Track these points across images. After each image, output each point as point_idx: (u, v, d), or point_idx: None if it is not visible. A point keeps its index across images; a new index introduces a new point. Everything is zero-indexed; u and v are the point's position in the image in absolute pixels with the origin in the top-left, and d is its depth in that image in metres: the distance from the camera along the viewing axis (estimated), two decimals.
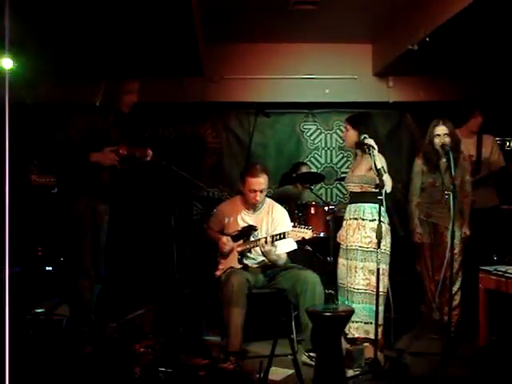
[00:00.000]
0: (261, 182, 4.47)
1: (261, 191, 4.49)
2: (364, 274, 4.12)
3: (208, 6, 5.01)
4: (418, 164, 4.84)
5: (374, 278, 4.04)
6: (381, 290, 3.96)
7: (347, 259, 4.22)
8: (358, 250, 4.14)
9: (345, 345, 4.16)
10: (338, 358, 3.74)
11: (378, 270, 3.86)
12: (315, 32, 5.90)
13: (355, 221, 4.20)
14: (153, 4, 4.18)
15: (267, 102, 6.19)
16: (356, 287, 4.13)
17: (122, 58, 5.31)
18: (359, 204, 4.22)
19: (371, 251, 4.08)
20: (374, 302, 3.99)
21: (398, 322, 4.56)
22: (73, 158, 3.98)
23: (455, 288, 4.58)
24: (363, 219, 4.16)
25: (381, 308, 4.04)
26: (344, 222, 4.36)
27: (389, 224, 4.15)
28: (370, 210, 4.15)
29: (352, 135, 4.28)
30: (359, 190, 4.24)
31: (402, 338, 4.74)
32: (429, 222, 4.80)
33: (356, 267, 4.14)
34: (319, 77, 6.41)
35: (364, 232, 4.13)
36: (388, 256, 4.13)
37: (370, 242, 4.09)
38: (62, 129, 4.13)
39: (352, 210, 4.26)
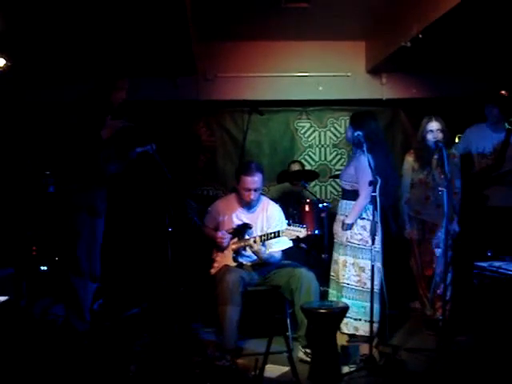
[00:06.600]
0: (255, 180, 4.48)
1: (255, 190, 4.49)
2: (355, 271, 4.21)
3: (201, 4, 5.00)
4: (409, 161, 4.85)
5: (364, 275, 4.17)
6: (374, 287, 4.01)
7: (338, 254, 4.32)
8: (348, 245, 4.24)
9: (340, 341, 4.19)
10: (333, 355, 3.76)
11: (373, 266, 3.92)
12: (308, 29, 5.89)
13: (345, 217, 4.28)
14: (146, 3, 4.18)
15: (261, 99, 6.18)
16: (346, 282, 4.23)
17: (116, 58, 5.30)
18: (350, 201, 4.29)
19: (362, 248, 4.19)
20: (365, 298, 4.11)
21: (393, 319, 4.58)
22: (75, 149, 3.97)
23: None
24: None
25: (376, 306, 4.06)
26: (336, 217, 4.45)
27: (379, 222, 4.15)
28: None
29: (348, 132, 4.37)
30: (350, 188, 4.30)
31: (397, 334, 4.76)
32: (418, 219, 4.80)
33: (346, 262, 4.23)
34: (313, 74, 6.40)
35: (355, 229, 4.20)
36: (379, 253, 4.15)
37: (360, 240, 4.19)
38: (62, 121, 4.12)
39: (343, 206, 4.36)
